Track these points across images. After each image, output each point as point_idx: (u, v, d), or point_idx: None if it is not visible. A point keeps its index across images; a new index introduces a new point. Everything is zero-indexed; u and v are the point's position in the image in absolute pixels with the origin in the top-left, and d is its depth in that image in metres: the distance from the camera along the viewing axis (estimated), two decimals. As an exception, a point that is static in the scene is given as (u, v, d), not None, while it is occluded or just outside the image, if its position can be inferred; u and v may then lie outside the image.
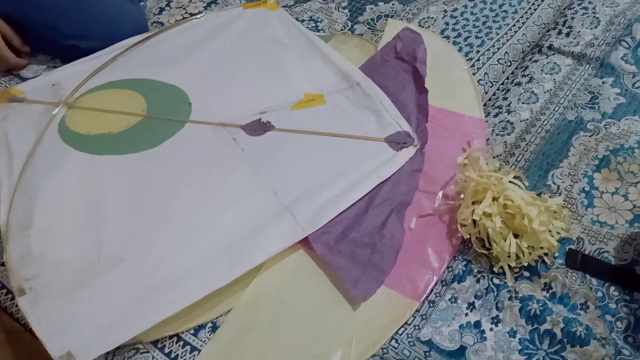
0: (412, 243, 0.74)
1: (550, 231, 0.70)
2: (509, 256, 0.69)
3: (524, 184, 0.77)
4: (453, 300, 0.69)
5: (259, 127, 0.87)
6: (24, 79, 1.02)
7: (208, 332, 0.67)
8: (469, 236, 0.73)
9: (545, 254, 0.71)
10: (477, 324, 0.67)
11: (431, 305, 0.69)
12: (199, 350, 0.65)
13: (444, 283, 0.71)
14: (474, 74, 0.99)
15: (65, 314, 0.66)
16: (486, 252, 0.72)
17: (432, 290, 0.70)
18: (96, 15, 1.02)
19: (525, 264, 0.70)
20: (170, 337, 0.67)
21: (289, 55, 1.01)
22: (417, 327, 0.67)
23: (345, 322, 0.67)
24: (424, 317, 0.68)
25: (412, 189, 0.80)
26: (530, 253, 0.69)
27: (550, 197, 0.76)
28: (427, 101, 0.90)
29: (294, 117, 0.90)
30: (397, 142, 0.85)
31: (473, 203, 0.74)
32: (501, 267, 0.70)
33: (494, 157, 0.85)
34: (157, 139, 0.87)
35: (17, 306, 0.70)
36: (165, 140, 0.87)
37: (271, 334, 0.66)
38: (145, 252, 0.72)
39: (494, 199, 0.73)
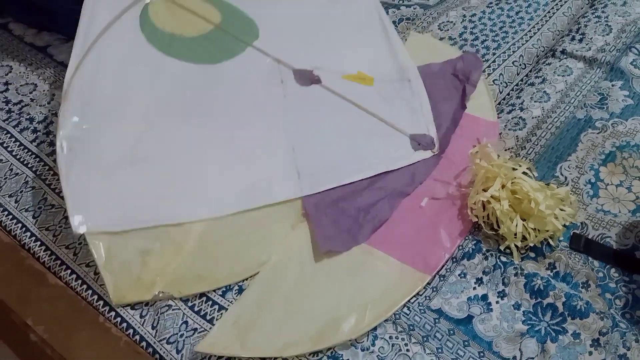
0: (427, 224, 0.80)
1: (556, 216, 0.75)
2: (515, 236, 0.74)
3: (533, 174, 0.82)
4: (462, 275, 0.74)
5: (308, 77, 0.94)
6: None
7: (235, 293, 0.73)
8: (476, 219, 0.78)
9: (551, 237, 0.75)
10: (484, 297, 0.72)
11: (442, 279, 0.74)
12: (226, 309, 0.71)
13: (454, 260, 0.76)
14: (489, 74, 1.04)
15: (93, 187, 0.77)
16: (494, 234, 0.77)
17: (442, 266, 0.75)
18: None
19: (532, 245, 0.75)
20: (200, 296, 0.73)
21: (361, 33, 1.07)
22: (428, 298, 0.72)
23: (360, 291, 0.72)
24: (434, 289, 0.73)
25: (414, 183, 0.85)
26: (536, 235, 0.74)
27: (557, 187, 0.81)
28: (462, 116, 0.96)
29: (341, 85, 0.96)
30: (418, 142, 0.90)
31: (483, 190, 0.79)
32: (508, 247, 0.75)
33: (505, 150, 0.90)
34: (218, 57, 0.96)
35: (60, 266, 0.77)
36: (224, 61, 0.96)
37: (292, 298, 0.72)
38: (172, 159, 0.82)
39: (503, 185, 0.78)
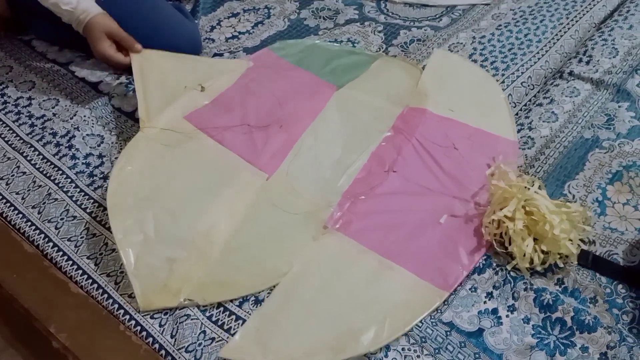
0: (445, 242, 0.82)
1: (571, 240, 0.77)
2: (524, 256, 0.76)
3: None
4: (473, 289, 0.76)
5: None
6: (95, 84, 1.12)
7: (251, 304, 0.75)
8: (489, 237, 0.80)
9: (564, 257, 0.77)
10: (495, 311, 0.73)
11: (453, 292, 0.76)
12: (244, 320, 0.73)
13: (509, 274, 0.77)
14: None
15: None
16: (504, 251, 0.79)
17: (460, 283, 0.77)
18: (158, 30, 1.12)
19: (538, 269, 0.76)
20: (217, 306, 0.75)
21: None
22: (439, 311, 0.74)
23: (380, 304, 0.74)
24: (445, 302, 0.75)
25: None
26: (544, 261, 0.76)
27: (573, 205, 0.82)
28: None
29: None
30: None
31: (500, 210, 0.81)
32: (515, 267, 0.77)
33: (518, 167, 0.92)
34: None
35: (81, 275, 0.79)
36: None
37: (313, 308, 0.74)
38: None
39: (522, 207, 0.79)
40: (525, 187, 0.81)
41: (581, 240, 0.78)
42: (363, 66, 1.14)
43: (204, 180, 0.89)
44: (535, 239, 0.77)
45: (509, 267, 0.77)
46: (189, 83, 1.04)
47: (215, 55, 1.19)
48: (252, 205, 0.86)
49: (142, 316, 0.74)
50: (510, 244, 0.78)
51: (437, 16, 1.30)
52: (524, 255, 0.76)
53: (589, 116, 1.00)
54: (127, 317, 0.74)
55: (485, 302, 0.74)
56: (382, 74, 1.13)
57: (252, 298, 0.76)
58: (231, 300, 0.76)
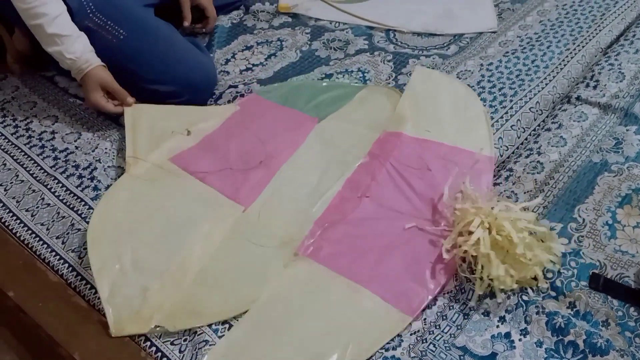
0: (413, 265, 0.84)
1: (539, 262, 0.78)
2: (482, 280, 0.77)
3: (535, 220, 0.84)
4: (485, 314, 0.77)
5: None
6: (115, 118, 1.16)
7: (222, 329, 0.78)
8: (448, 258, 0.81)
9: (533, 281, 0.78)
10: (507, 335, 0.75)
11: (465, 317, 0.77)
12: (215, 343, 0.76)
13: (479, 297, 0.79)
14: (507, 120, 1.09)
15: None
16: (471, 275, 0.80)
17: (425, 307, 0.79)
18: (175, 64, 1.17)
19: (508, 288, 0.77)
20: (190, 330, 0.78)
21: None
22: (452, 335, 0.75)
23: (345, 329, 0.77)
24: (459, 327, 0.76)
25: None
26: (513, 280, 0.77)
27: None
28: None
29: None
30: None
31: (463, 232, 0.82)
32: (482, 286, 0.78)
33: (524, 193, 0.94)
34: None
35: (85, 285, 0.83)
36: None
37: (280, 334, 0.77)
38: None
39: (487, 228, 0.81)
40: (492, 207, 0.83)
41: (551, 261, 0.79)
42: (347, 97, 1.17)
43: (182, 214, 0.93)
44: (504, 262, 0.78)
45: (477, 289, 0.78)
46: (177, 128, 1.08)
47: (230, 87, 1.23)
48: (227, 237, 0.90)
49: (162, 342, 0.76)
50: (476, 267, 0.79)
51: (445, 44, 1.33)
52: (482, 279, 0.77)
53: (597, 140, 1.02)
54: (148, 343, 0.77)
55: (498, 327, 0.76)
56: (365, 102, 1.16)
57: (225, 323, 0.79)
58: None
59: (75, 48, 1.07)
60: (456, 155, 1.00)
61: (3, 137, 1.12)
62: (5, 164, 1.06)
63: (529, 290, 0.78)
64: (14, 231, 0.94)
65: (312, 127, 1.09)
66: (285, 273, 0.84)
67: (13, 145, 1.10)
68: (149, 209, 0.94)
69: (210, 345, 0.75)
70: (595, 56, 1.25)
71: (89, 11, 1.13)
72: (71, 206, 0.97)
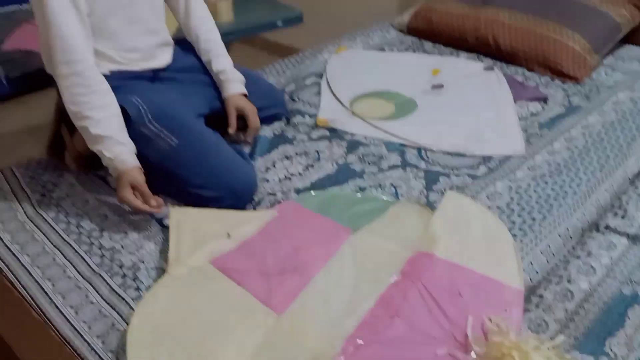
0: None
1: None
2: None
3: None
4: None
5: None
6: (160, 219, 1.23)
7: None
8: None
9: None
10: None
11: None
12: None
13: None
14: (536, 244, 1.13)
15: None
16: None
17: None
18: (220, 172, 1.25)
19: None
20: None
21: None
22: None
23: None
24: None
25: None
26: None
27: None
28: None
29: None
30: None
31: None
32: None
33: (555, 322, 0.95)
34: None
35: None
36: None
37: None
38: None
39: None
40: (523, 346, 0.84)
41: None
42: (380, 211, 1.22)
43: (219, 319, 0.96)
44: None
45: None
46: (218, 232, 1.14)
47: (269, 194, 1.29)
48: (260, 346, 0.92)
49: None
50: None
51: (475, 165, 1.39)
52: None
53: (627, 271, 1.04)
54: None
55: None
56: (397, 218, 1.21)
57: None
58: None
59: (114, 149, 1.17)
60: (487, 285, 1.03)
61: (55, 233, 1.19)
62: (54, 259, 1.12)
63: None
64: (57, 328, 0.98)
65: (345, 237, 1.14)
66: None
67: (64, 242, 1.16)
68: (187, 312, 0.97)
69: None
70: (623, 184, 1.30)
71: (146, 120, 1.24)
72: (113, 305, 1.01)
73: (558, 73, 1.79)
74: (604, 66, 1.86)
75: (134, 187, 1.17)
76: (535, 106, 1.64)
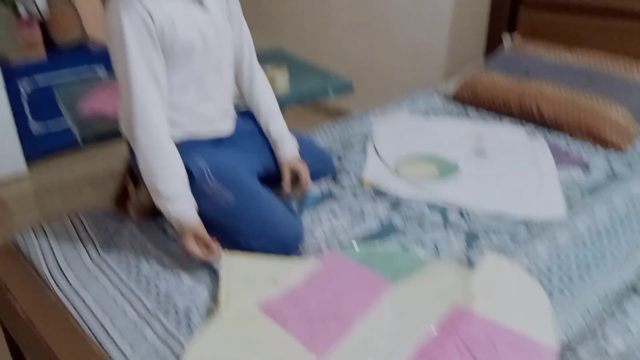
0: None
1: None
2: None
3: None
4: None
5: None
6: (212, 267, 1.31)
7: None
8: None
9: None
10: None
11: None
12: None
13: None
14: (572, 304, 1.14)
15: None
16: None
17: None
18: (270, 225, 1.34)
19: None
20: None
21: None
22: None
23: None
24: None
25: None
26: None
27: None
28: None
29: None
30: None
31: None
32: None
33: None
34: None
35: None
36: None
37: None
38: None
39: None
40: None
41: None
42: (420, 266, 1.27)
43: (265, 358, 1.03)
44: None
45: None
46: (265, 277, 1.22)
47: (314, 246, 1.36)
48: None
49: None
50: None
51: (516, 227, 1.43)
52: None
53: (665, 335, 1.05)
54: None
55: None
56: (437, 273, 1.26)
57: None
58: None
59: (180, 207, 1.28)
60: (523, 342, 1.05)
61: (116, 276, 1.29)
62: (115, 300, 1.21)
63: None
64: (115, 363, 1.06)
65: (386, 288, 1.19)
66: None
67: (123, 284, 1.26)
68: (235, 351, 1.04)
69: None
70: (663, 250, 1.31)
71: (207, 177, 1.35)
72: (167, 344, 1.08)
73: (601, 141, 1.83)
74: (647, 136, 1.89)
75: (196, 237, 1.28)
76: (577, 173, 1.67)
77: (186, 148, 1.35)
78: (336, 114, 2.17)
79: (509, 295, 1.17)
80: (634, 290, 1.17)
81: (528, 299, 1.16)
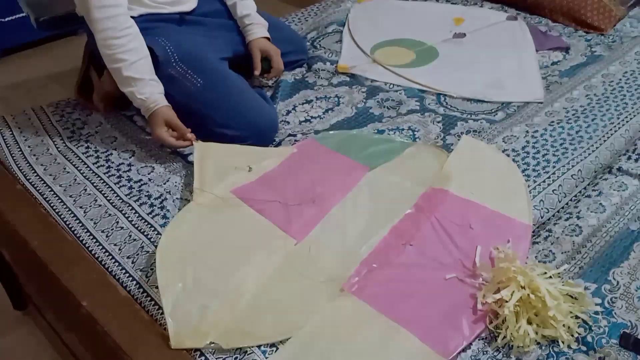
0: (451, 313, 0.90)
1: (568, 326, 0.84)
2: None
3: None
4: (518, 361, 0.82)
5: None
6: (185, 156, 1.28)
7: (270, 351, 0.85)
8: (482, 310, 0.88)
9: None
10: (538, 382, 0.79)
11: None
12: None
13: (510, 346, 0.84)
14: (549, 184, 1.15)
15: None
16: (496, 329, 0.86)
17: (462, 349, 0.84)
18: (243, 112, 1.29)
19: (527, 349, 0.82)
20: (240, 350, 0.85)
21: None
22: (483, 379, 0.80)
23: None
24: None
25: None
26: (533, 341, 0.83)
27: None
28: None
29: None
30: None
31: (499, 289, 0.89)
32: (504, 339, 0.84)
33: (562, 253, 0.99)
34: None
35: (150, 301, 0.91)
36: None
37: None
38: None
39: (522, 287, 0.87)
40: (528, 271, 0.88)
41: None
42: (397, 151, 1.26)
43: (240, 243, 1.03)
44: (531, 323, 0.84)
45: (498, 341, 0.84)
46: (240, 165, 1.19)
47: (289, 135, 1.34)
48: (280, 267, 0.98)
49: (216, 358, 0.84)
50: (503, 323, 0.85)
51: (493, 111, 1.41)
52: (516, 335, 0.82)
53: (636, 209, 1.06)
54: (203, 358, 0.84)
55: (529, 374, 0.80)
56: (413, 158, 1.25)
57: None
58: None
59: (146, 90, 1.22)
60: (497, 219, 1.07)
61: (86, 166, 1.25)
62: (86, 189, 1.19)
63: (560, 343, 0.82)
64: (89, 248, 1.05)
65: (362, 174, 1.18)
66: (331, 306, 0.91)
67: (94, 174, 1.23)
68: (211, 235, 1.04)
69: (255, 361, 0.83)
70: (639, 131, 1.31)
71: (172, 61, 1.28)
72: (142, 231, 1.07)
73: (582, 24, 1.78)
74: (629, 17, 1.83)
75: (167, 124, 1.23)
76: (557, 55, 1.63)
77: (146, 26, 1.27)
78: (309, 1, 2.06)
79: (485, 176, 1.17)
80: (609, 170, 1.18)
81: (504, 180, 1.17)
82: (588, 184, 1.16)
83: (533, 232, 1.05)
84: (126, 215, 1.11)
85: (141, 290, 0.96)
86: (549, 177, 1.17)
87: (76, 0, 1.29)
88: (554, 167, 1.20)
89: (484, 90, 1.48)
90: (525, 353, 0.82)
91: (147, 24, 1.29)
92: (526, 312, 0.85)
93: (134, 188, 1.18)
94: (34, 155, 1.30)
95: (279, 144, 1.32)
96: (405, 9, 1.96)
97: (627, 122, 1.33)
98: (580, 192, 1.15)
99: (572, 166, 1.20)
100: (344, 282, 0.94)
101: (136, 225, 1.09)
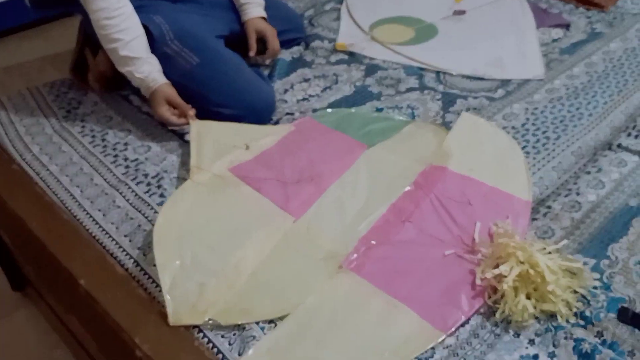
0: (450, 289, 0.89)
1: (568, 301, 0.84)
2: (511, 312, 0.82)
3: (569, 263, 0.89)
4: (516, 335, 0.82)
5: None
6: (181, 135, 1.27)
7: (268, 327, 0.85)
8: (481, 285, 0.88)
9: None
10: (536, 357, 0.79)
11: (496, 337, 0.82)
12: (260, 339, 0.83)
13: (509, 320, 0.84)
14: (548, 161, 1.14)
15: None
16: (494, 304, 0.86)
17: (458, 327, 0.84)
18: (240, 90, 1.28)
19: (525, 323, 0.83)
20: (239, 326, 0.85)
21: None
22: (483, 353, 0.80)
23: (382, 340, 0.83)
24: (489, 345, 0.81)
25: None
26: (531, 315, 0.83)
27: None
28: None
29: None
30: None
31: (497, 264, 0.88)
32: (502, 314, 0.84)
33: (561, 229, 0.99)
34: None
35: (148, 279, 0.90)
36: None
37: (320, 340, 0.83)
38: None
39: (521, 262, 0.87)
40: (527, 247, 0.88)
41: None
42: (395, 129, 1.25)
43: (239, 221, 1.02)
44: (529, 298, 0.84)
45: (497, 316, 0.84)
46: (237, 143, 1.18)
47: (287, 114, 1.32)
48: (278, 245, 0.97)
49: (214, 334, 0.84)
50: (502, 298, 0.85)
51: (493, 88, 1.40)
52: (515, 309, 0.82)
53: (636, 185, 1.06)
54: (201, 334, 0.84)
55: (527, 348, 0.80)
56: (412, 136, 1.24)
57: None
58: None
59: (144, 68, 1.21)
60: (496, 195, 1.06)
61: (82, 146, 1.24)
62: (82, 169, 1.18)
63: (559, 317, 0.82)
64: (87, 227, 1.05)
65: (360, 152, 1.17)
66: (329, 283, 0.91)
67: (90, 153, 1.22)
68: (209, 213, 1.03)
69: (256, 340, 0.82)
70: (639, 107, 1.29)
71: (168, 39, 1.26)
72: (139, 209, 1.07)
73: (583, 1, 1.76)
74: (631, -6, 1.81)
75: (168, 102, 1.22)
76: (557, 32, 1.62)
77: (141, 4, 1.24)
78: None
79: (485, 153, 1.16)
80: (609, 147, 1.17)
81: (503, 156, 1.16)
82: (588, 161, 1.15)
83: (532, 208, 1.04)
84: (123, 194, 1.11)
85: (139, 268, 0.96)
86: (548, 154, 1.16)
87: (69, -25, 1.27)
88: (553, 144, 1.19)
89: (484, 68, 1.46)
90: (524, 327, 0.82)
91: (141, 1, 1.27)
92: (525, 287, 0.85)
93: (130, 167, 1.17)
94: (30, 135, 1.29)
95: (276, 123, 1.31)
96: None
97: (627, 99, 1.32)
98: (579, 168, 1.14)
99: (572, 143, 1.19)
100: (343, 259, 0.94)
101: (133, 204, 1.08)
